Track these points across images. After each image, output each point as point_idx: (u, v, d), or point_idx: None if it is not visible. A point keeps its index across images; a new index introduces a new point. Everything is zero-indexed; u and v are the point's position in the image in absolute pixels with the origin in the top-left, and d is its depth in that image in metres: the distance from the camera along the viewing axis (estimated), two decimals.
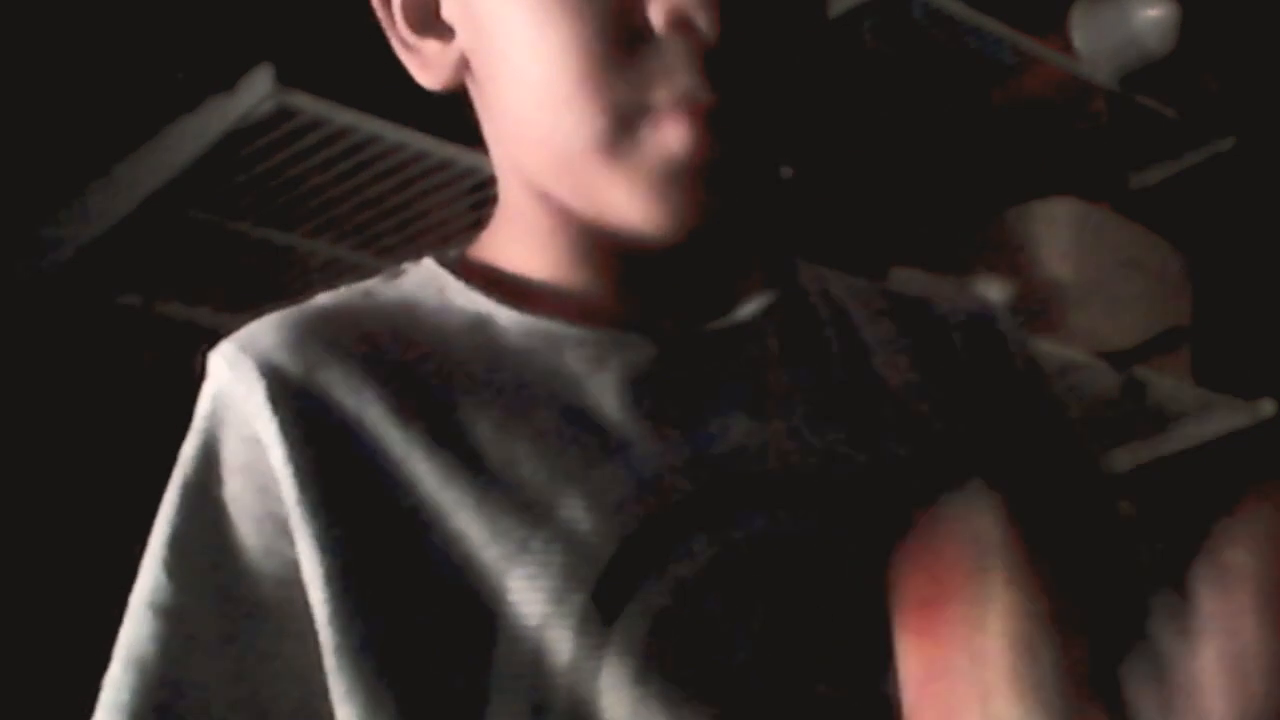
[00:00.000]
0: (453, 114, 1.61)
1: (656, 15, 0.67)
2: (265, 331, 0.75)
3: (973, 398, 0.78)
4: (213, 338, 0.78)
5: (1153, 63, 2.23)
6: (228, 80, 1.50)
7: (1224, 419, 2.54)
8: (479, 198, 1.67)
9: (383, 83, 1.64)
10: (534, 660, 0.65)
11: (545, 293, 0.75)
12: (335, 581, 0.67)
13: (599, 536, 0.66)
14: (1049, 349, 2.29)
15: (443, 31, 0.78)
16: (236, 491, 0.72)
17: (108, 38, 1.56)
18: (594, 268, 0.75)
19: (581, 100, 0.68)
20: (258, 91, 1.48)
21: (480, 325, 0.74)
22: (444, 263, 0.79)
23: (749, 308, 0.75)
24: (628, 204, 0.69)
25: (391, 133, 1.58)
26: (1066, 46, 2.22)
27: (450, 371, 0.72)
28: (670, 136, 0.67)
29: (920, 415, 0.75)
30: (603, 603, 0.65)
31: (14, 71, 1.54)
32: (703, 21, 0.66)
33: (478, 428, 0.69)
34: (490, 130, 0.80)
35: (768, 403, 0.72)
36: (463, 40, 0.77)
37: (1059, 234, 2.37)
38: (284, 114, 1.51)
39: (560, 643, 0.65)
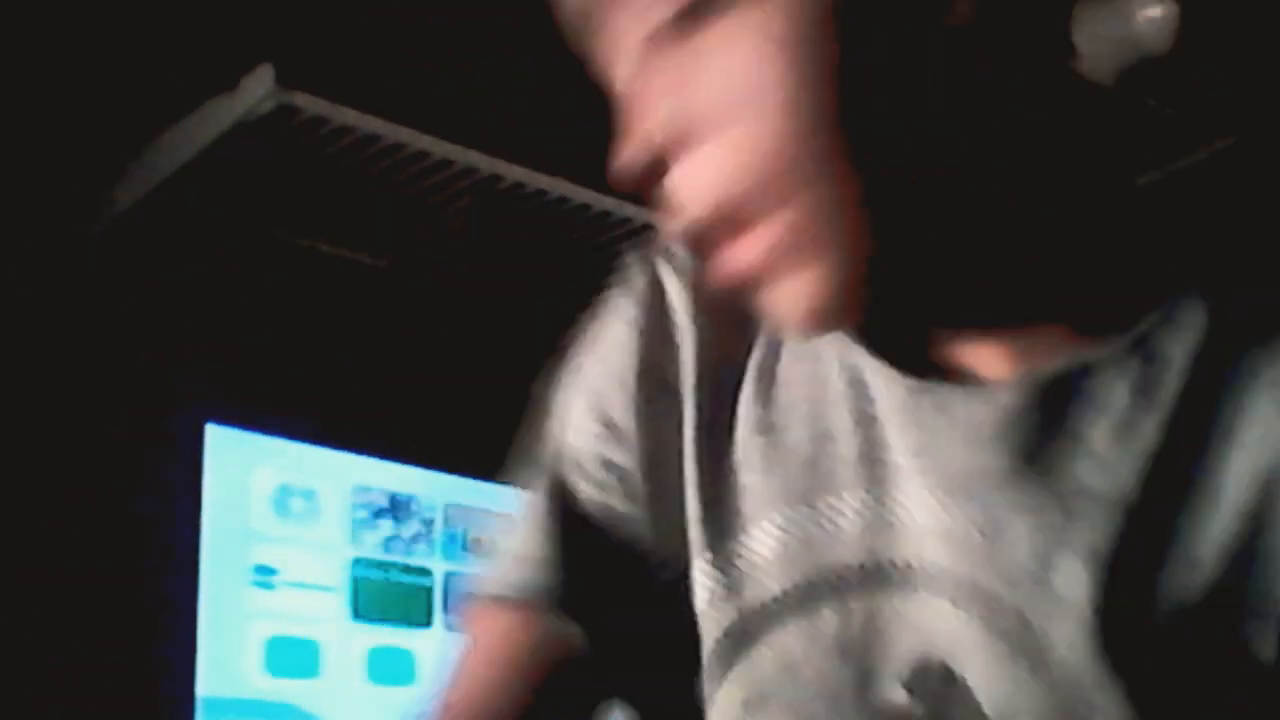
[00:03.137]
0: (453, 113, 1.61)
1: None
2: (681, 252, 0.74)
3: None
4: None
5: (1152, 62, 2.23)
6: (228, 80, 1.51)
7: None
8: (478, 196, 1.67)
9: (383, 82, 1.65)
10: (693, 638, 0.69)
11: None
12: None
13: (766, 574, 0.67)
14: None
15: None
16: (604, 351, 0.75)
17: (108, 39, 1.56)
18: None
19: None
20: (258, 91, 1.48)
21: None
22: None
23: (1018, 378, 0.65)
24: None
25: (391, 132, 1.58)
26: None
27: (753, 354, 0.71)
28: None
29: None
30: (735, 637, 0.67)
31: (14, 73, 1.55)
32: None
33: (743, 413, 0.70)
34: None
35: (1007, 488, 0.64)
36: None
37: None
38: (284, 114, 1.51)
39: (706, 639, 0.68)
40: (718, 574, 0.68)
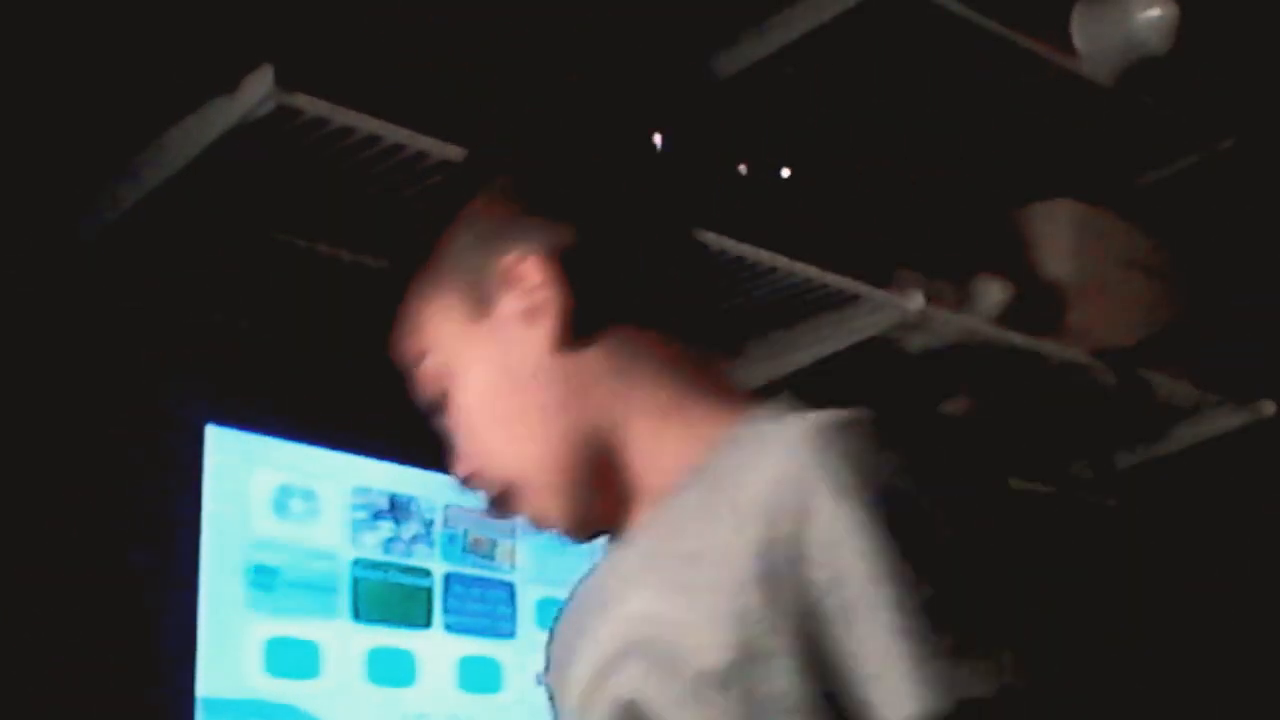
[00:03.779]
0: (453, 114, 1.61)
1: None
2: None
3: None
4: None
5: (1152, 63, 2.23)
6: (228, 81, 1.50)
7: (1224, 419, 2.54)
8: None
9: (383, 82, 1.65)
10: None
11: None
12: None
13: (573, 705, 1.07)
14: (1049, 349, 2.29)
15: None
16: None
17: (108, 39, 1.56)
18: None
19: None
20: (258, 91, 1.48)
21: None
22: None
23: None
24: None
25: (391, 132, 1.58)
26: (1066, 46, 2.22)
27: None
28: None
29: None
30: None
31: (13, 73, 1.55)
32: None
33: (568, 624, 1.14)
34: None
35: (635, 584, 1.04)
36: None
37: (1059, 234, 2.37)
38: (284, 115, 1.51)
39: None
40: None
